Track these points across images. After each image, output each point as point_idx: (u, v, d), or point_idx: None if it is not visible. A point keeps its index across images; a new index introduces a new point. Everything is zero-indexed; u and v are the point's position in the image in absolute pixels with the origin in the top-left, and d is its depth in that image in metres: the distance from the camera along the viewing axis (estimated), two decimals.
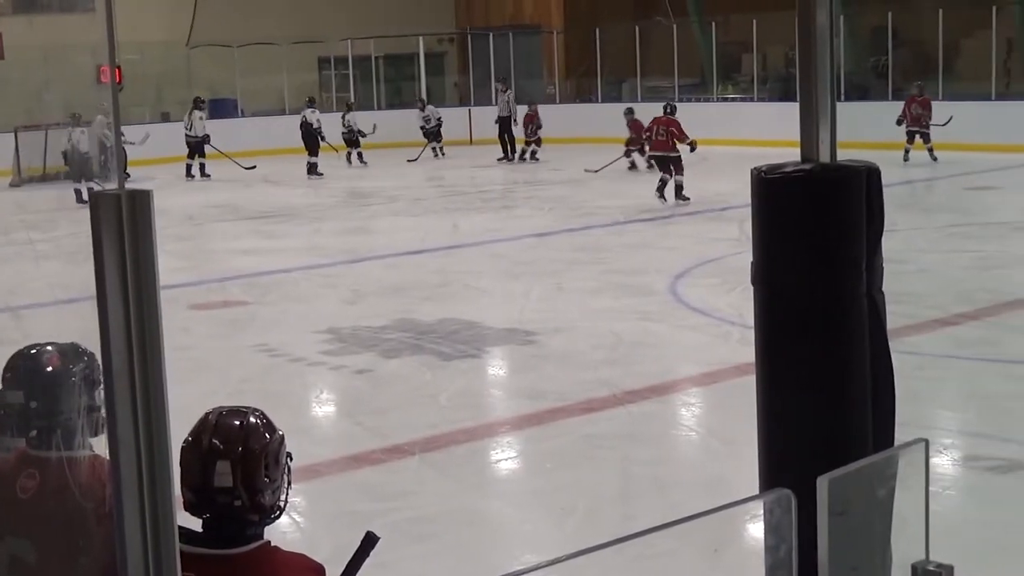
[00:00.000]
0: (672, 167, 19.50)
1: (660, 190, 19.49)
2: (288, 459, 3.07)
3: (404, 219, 19.04)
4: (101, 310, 1.62)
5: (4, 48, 26.09)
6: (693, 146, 19.79)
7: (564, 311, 11.80)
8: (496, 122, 28.72)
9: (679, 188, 19.45)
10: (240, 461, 2.92)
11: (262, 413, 3.07)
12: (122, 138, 22.67)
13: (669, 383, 9.41)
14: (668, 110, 20.51)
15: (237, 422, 3.00)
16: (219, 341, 11.20)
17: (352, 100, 30.54)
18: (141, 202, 1.62)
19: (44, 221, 18.42)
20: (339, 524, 6.55)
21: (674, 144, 19.60)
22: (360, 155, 27.73)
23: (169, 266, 12.09)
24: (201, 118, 26.21)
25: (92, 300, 1.63)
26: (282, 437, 3.05)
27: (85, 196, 20.92)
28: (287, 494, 3.08)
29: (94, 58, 24.10)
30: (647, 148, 21.11)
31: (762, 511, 2.20)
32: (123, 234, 1.60)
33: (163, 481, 1.65)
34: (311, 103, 28.00)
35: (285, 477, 3.04)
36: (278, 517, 3.06)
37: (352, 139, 27.80)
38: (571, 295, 12.57)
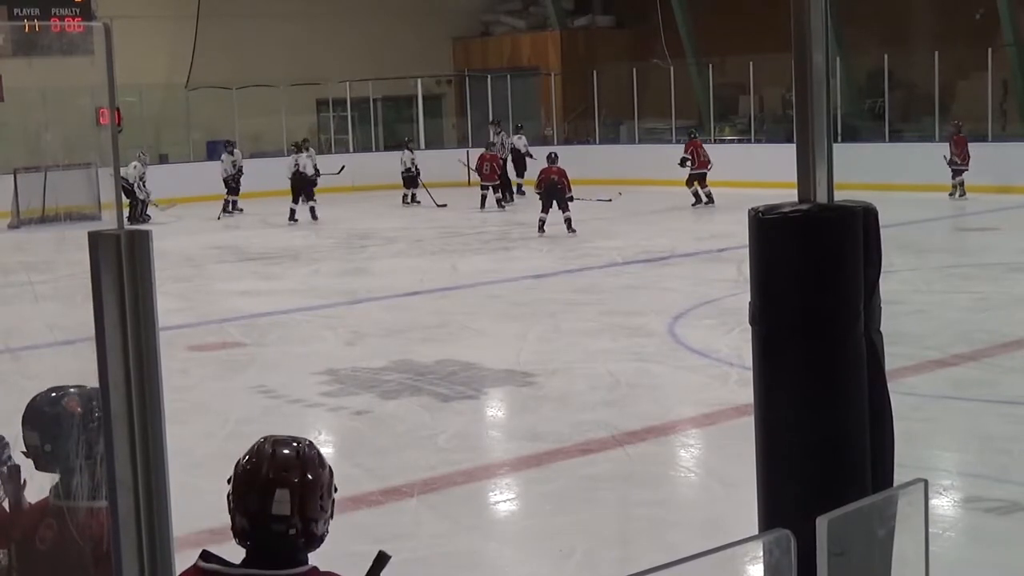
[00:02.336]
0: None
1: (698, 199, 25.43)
2: (334, 491, 3.12)
3: (402, 260, 19.06)
4: (100, 351, 1.62)
5: (4, 90, 26.17)
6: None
7: (562, 352, 11.78)
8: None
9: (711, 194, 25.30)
10: (299, 490, 2.97)
11: (311, 443, 3.12)
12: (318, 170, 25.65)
13: (668, 424, 9.39)
14: (696, 135, 27.27)
15: (295, 452, 3.05)
16: (218, 382, 11.19)
17: (409, 139, 30.06)
18: (140, 242, 1.62)
19: (43, 262, 18.41)
20: (337, 566, 6.52)
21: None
22: (414, 196, 27.84)
23: (168, 307, 12.09)
24: (297, 161, 25.82)
25: (91, 341, 1.63)
26: (331, 468, 3.10)
27: (299, 215, 24.71)
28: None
29: (93, 100, 24.21)
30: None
31: (761, 552, 2.19)
32: (122, 275, 1.61)
33: (162, 521, 1.65)
34: (519, 128, 30.54)
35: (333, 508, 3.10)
36: (320, 544, 3.12)
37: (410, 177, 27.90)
38: (569, 336, 12.56)
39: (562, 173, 21.55)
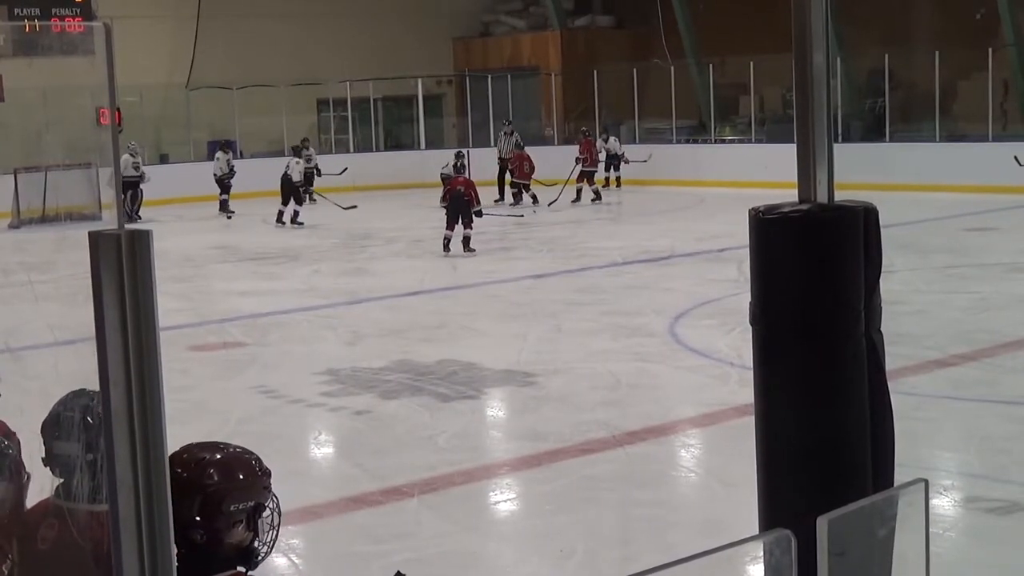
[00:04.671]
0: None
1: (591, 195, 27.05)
2: (252, 513, 2.98)
3: (403, 261, 19.04)
4: (100, 351, 1.62)
5: (4, 90, 26.18)
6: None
7: (563, 352, 11.78)
8: (498, 163, 28.49)
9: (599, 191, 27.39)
10: (174, 487, 2.91)
11: (252, 459, 3.04)
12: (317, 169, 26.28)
13: (668, 424, 9.38)
14: (589, 135, 28.97)
15: (206, 454, 2.98)
16: (218, 382, 11.18)
17: (462, 152, 28.48)
18: (141, 242, 1.62)
19: (43, 262, 18.41)
20: (338, 566, 6.53)
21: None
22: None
23: (168, 307, 12.08)
24: (288, 164, 25.39)
25: (91, 341, 1.63)
26: (238, 488, 2.96)
27: (285, 219, 23.82)
28: (261, 546, 3.01)
29: (94, 100, 24.20)
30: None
31: (762, 552, 2.19)
32: (123, 274, 1.61)
33: (162, 521, 1.65)
34: (609, 129, 31.31)
35: (239, 528, 2.97)
36: (251, 563, 3.00)
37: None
38: (570, 336, 12.56)
39: (469, 184, 19.42)
